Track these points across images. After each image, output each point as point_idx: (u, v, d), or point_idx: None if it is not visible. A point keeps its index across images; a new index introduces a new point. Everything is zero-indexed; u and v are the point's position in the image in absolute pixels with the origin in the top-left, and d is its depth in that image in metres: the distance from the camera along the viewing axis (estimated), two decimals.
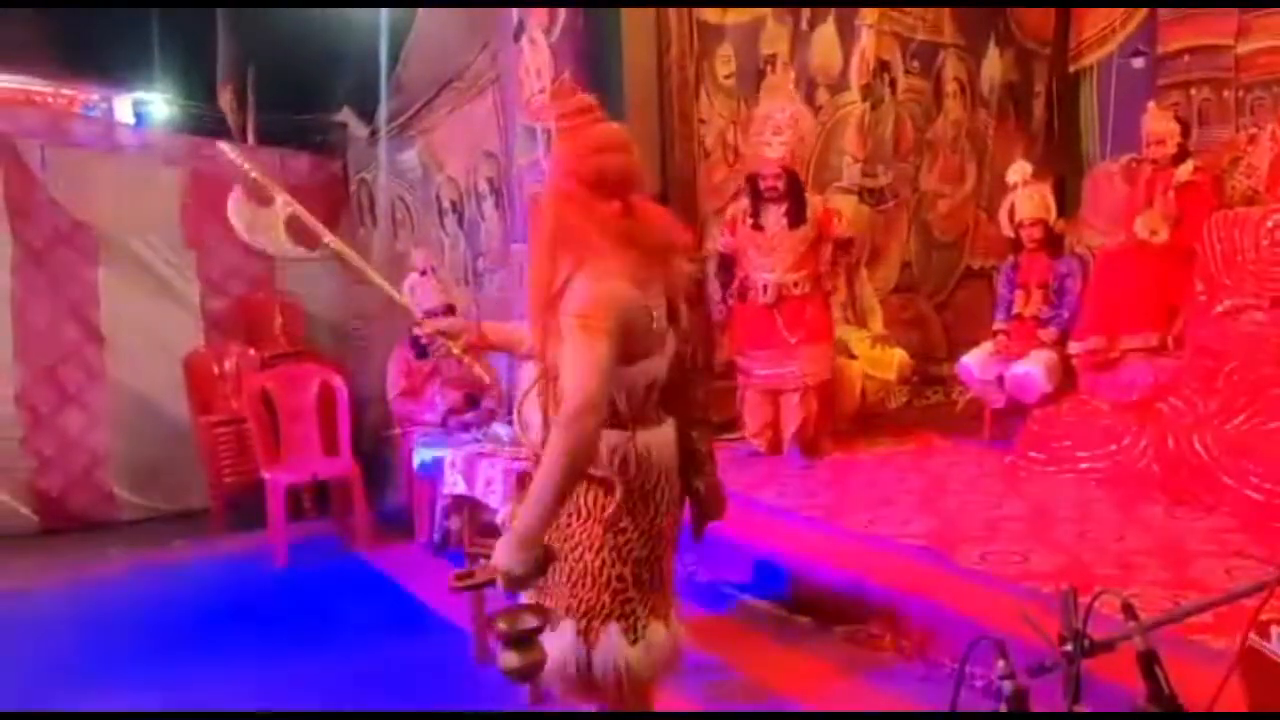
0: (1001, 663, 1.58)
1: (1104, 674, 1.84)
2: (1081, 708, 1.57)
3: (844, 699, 3.38)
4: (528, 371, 2.39)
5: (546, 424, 2.22)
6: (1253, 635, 1.82)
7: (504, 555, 2.04)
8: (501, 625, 2.07)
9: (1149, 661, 1.53)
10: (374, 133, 7.55)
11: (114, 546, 6.04)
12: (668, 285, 2.25)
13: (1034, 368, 5.75)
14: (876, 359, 6.41)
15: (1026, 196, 6.06)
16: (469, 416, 5.33)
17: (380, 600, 4.79)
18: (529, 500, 2.06)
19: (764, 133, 5.60)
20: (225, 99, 8.42)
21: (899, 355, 6.55)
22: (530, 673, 2.13)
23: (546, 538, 2.10)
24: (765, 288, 5.59)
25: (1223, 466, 4.52)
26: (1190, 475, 4.63)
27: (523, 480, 3.33)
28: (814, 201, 5.78)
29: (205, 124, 8.36)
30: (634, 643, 2.22)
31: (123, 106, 9.26)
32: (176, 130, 8.41)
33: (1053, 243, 6.05)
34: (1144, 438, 4.91)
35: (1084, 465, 5.15)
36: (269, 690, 3.70)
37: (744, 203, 5.74)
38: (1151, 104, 5.92)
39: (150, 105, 8.81)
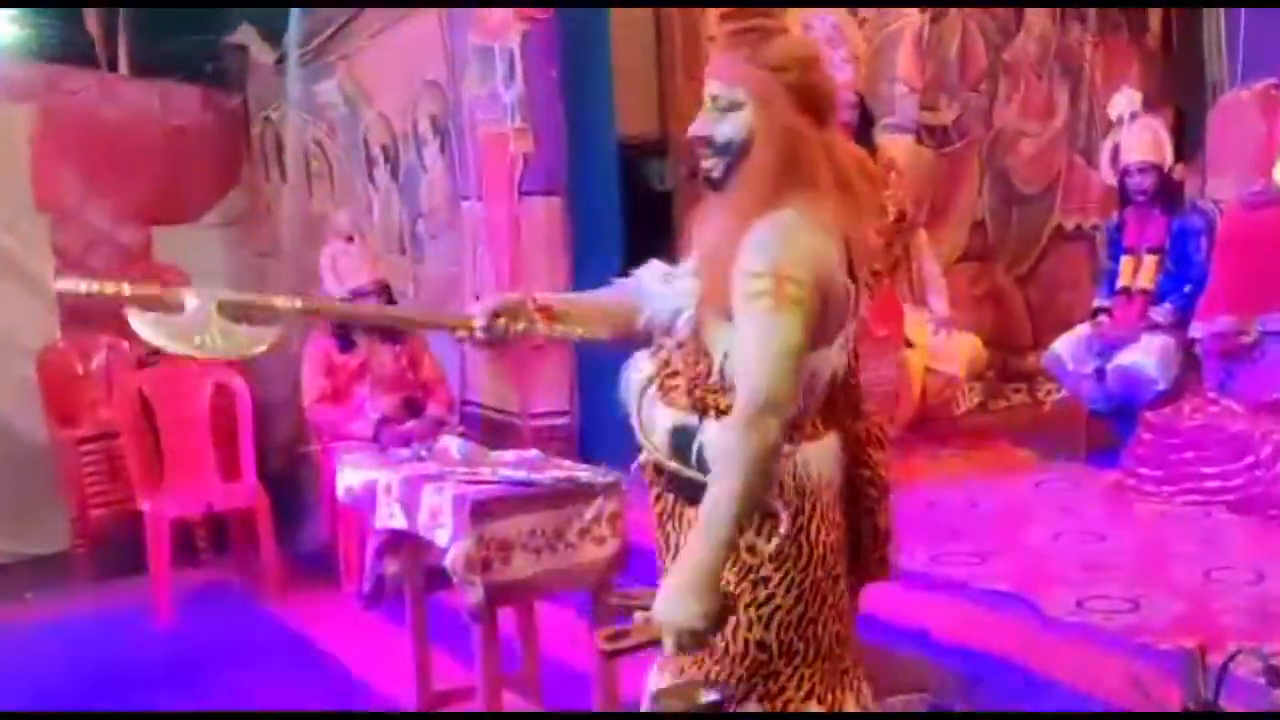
0: None
1: None
2: None
3: None
4: (640, 356, 2.31)
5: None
6: None
7: (674, 604, 1.96)
8: (675, 704, 2.06)
9: None
10: (281, 59, 7.52)
11: None
12: (856, 251, 2.17)
13: (1145, 358, 5.77)
14: (941, 349, 6.42)
15: (1135, 135, 6.06)
16: (409, 427, 5.30)
17: (296, 668, 4.77)
18: (701, 530, 1.99)
19: None
20: (90, 16, 8.38)
21: (970, 344, 6.56)
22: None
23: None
24: None
25: None
26: None
27: (478, 510, 3.32)
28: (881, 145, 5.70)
29: (65, 50, 8.29)
30: None
31: None
32: (28, 56, 8.35)
33: (1170, 195, 6.05)
34: None
35: (1211, 485, 5.15)
36: None
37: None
38: None
39: None
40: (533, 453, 3.98)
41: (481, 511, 3.32)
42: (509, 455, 3.93)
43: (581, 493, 3.47)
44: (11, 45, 8.54)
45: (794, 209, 2.06)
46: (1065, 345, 6.21)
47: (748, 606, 2.12)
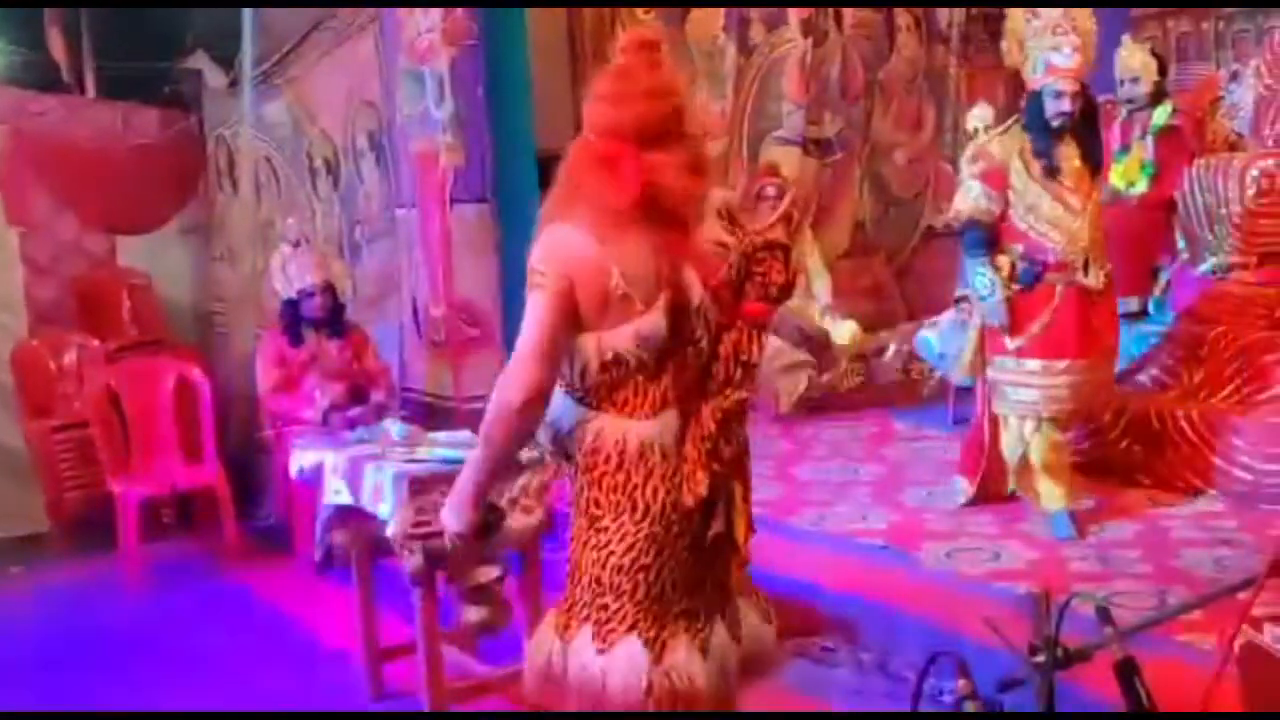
0: (962, 682, 1.59)
1: (1081, 684, 1.87)
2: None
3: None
4: None
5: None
6: (1247, 629, 1.87)
7: (447, 516, 2.30)
8: (457, 578, 2.38)
9: (1128, 671, 1.56)
10: (234, 82, 7.38)
11: None
12: (676, 258, 2.17)
13: None
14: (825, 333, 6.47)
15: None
16: (355, 413, 5.24)
17: (256, 629, 4.73)
18: (464, 467, 2.32)
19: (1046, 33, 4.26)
20: (55, 43, 8.15)
21: (850, 328, 6.62)
22: (493, 628, 2.50)
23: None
24: (1084, 265, 4.26)
25: (1210, 445, 4.64)
26: (1175, 456, 4.74)
27: (415, 486, 3.30)
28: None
29: (31, 73, 8.07)
30: (600, 652, 2.23)
31: None
32: None
33: None
34: (1124, 415, 4.99)
35: None
36: None
37: (1015, 137, 4.34)
38: (1126, 37, 6.03)
39: None
40: (465, 433, 3.95)
41: (418, 487, 3.31)
42: (443, 436, 3.91)
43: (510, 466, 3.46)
44: None
45: (570, 222, 2.17)
46: (933, 329, 6.27)
47: (588, 546, 2.25)
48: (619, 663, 2.21)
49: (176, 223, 7.70)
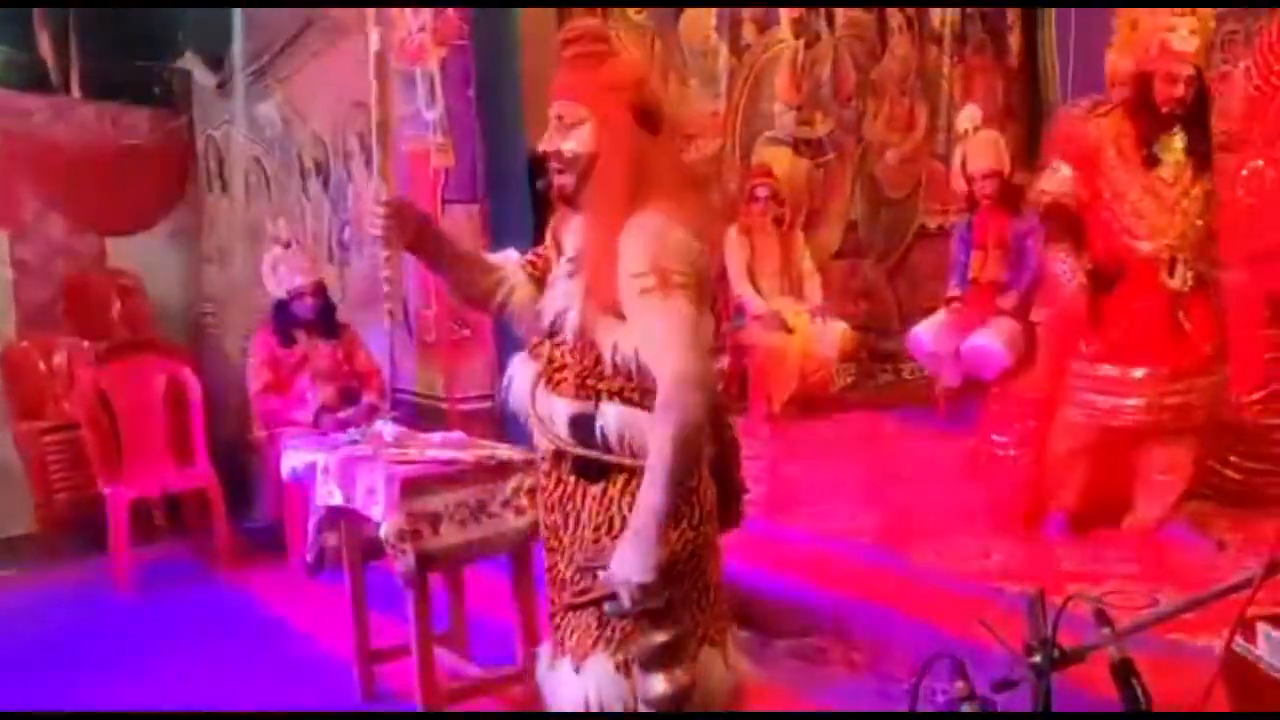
0: (960, 683, 1.59)
1: (1077, 685, 1.87)
2: None
3: None
4: (520, 359, 2.29)
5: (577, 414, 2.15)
6: (1238, 640, 1.87)
7: (626, 564, 1.96)
8: (631, 649, 2.06)
9: (1124, 672, 1.55)
10: (223, 82, 7.38)
11: None
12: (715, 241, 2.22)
13: (992, 339, 5.84)
14: (816, 334, 6.47)
15: (978, 145, 6.16)
16: (346, 414, 5.24)
17: (248, 631, 4.71)
18: (644, 499, 2.00)
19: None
20: (43, 43, 8.12)
21: (841, 329, 6.62)
22: (681, 699, 2.09)
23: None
24: (1173, 264, 3.95)
25: None
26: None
27: (407, 487, 3.29)
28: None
29: (19, 74, 8.04)
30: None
31: None
32: None
33: (1010, 197, 6.15)
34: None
35: None
36: None
37: (1114, 120, 4.11)
38: (1116, 39, 6.03)
39: None
40: (457, 434, 3.95)
41: (411, 488, 3.30)
42: (436, 437, 3.89)
43: (502, 469, 3.46)
44: None
45: (651, 211, 2.06)
46: (926, 329, 6.29)
47: None
48: (706, 680, 2.15)
49: (166, 224, 7.70)
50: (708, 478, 2.18)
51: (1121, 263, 3.90)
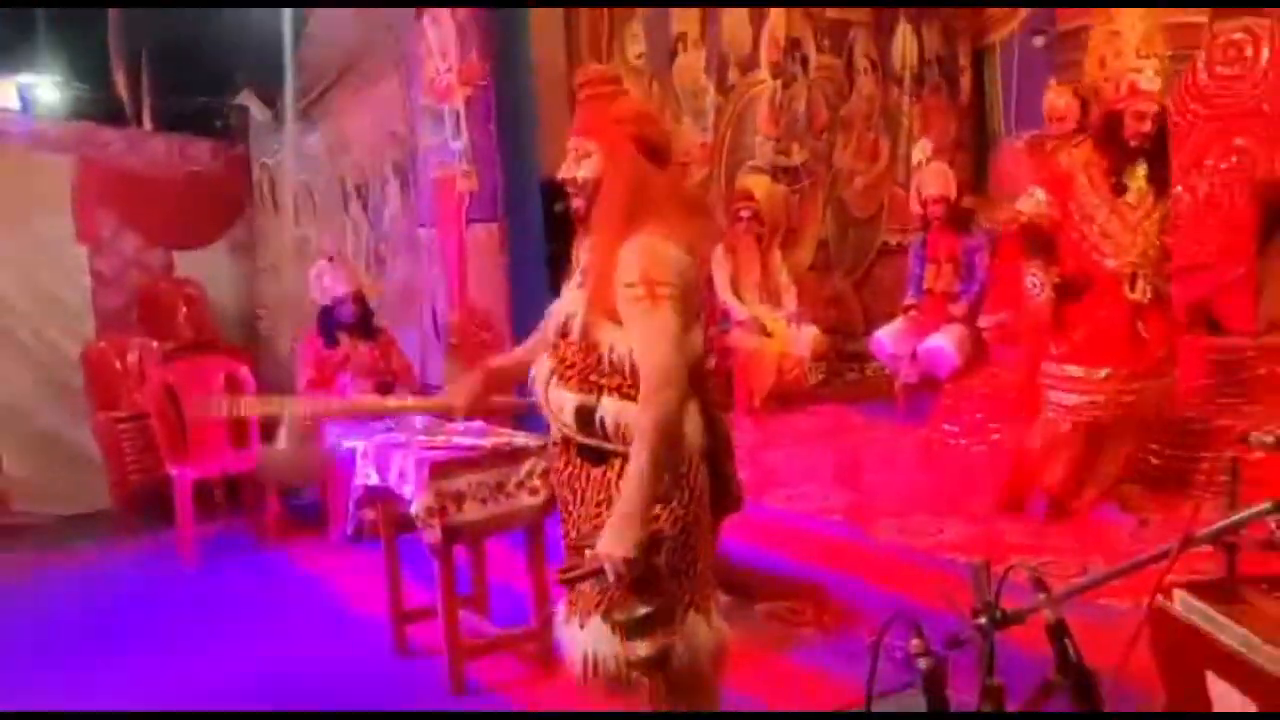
0: (916, 641, 1.59)
1: (1018, 644, 1.87)
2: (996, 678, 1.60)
3: (768, 676, 3.40)
4: (543, 357, 2.28)
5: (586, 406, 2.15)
6: (1159, 597, 1.87)
7: (612, 541, 1.98)
8: (617, 616, 2.06)
9: (1058, 632, 1.56)
10: (276, 116, 7.37)
11: (8, 551, 5.82)
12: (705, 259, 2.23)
13: (944, 342, 5.85)
14: (792, 337, 6.46)
15: (930, 174, 6.18)
16: None
17: (294, 595, 4.70)
18: (628, 484, 2.01)
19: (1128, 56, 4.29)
20: (119, 82, 8.12)
21: (814, 333, 6.62)
22: (662, 661, 2.10)
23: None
24: (1134, 279, 3.96)
25: None
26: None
27: (435, 470, 3.29)
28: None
29: (98, 109, 8.04)
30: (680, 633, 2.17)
31: (6, 91, 8.87)
32: (66, 116, 8.08)
33: (959, 218, 6.16)
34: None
35: (995, 437, 5.23)
36: (182, 693, 3.60)
37: (1084, 151, 4.22)
38: (1052, 80, 6.05)
39: (37, 89, 8.43)
40: (478, 423, 3.93)
41: (438, 471, 3.30)
42: (459, 426, 3.88)
43: (518, 453, 3.46)
44: (54, 107, 8.26)
45: (647, 232, 2.07)
46: (887, 332, 6.29)
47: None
48: (696, 642, 2.15)
49: (226, 240, 7.70)
50: (699, 464, 2.17)
51: (1089, 276, 3.92)
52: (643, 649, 2.08)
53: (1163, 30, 5.47)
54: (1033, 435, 4.20)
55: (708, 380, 2.26)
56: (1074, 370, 3.95)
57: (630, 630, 2.07)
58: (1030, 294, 3.98)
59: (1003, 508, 4.26)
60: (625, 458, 2.08)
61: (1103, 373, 3.92)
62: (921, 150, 6.26)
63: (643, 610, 2.05)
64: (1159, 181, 3.97)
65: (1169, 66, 3.96)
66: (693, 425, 2.14)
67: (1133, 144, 3.87)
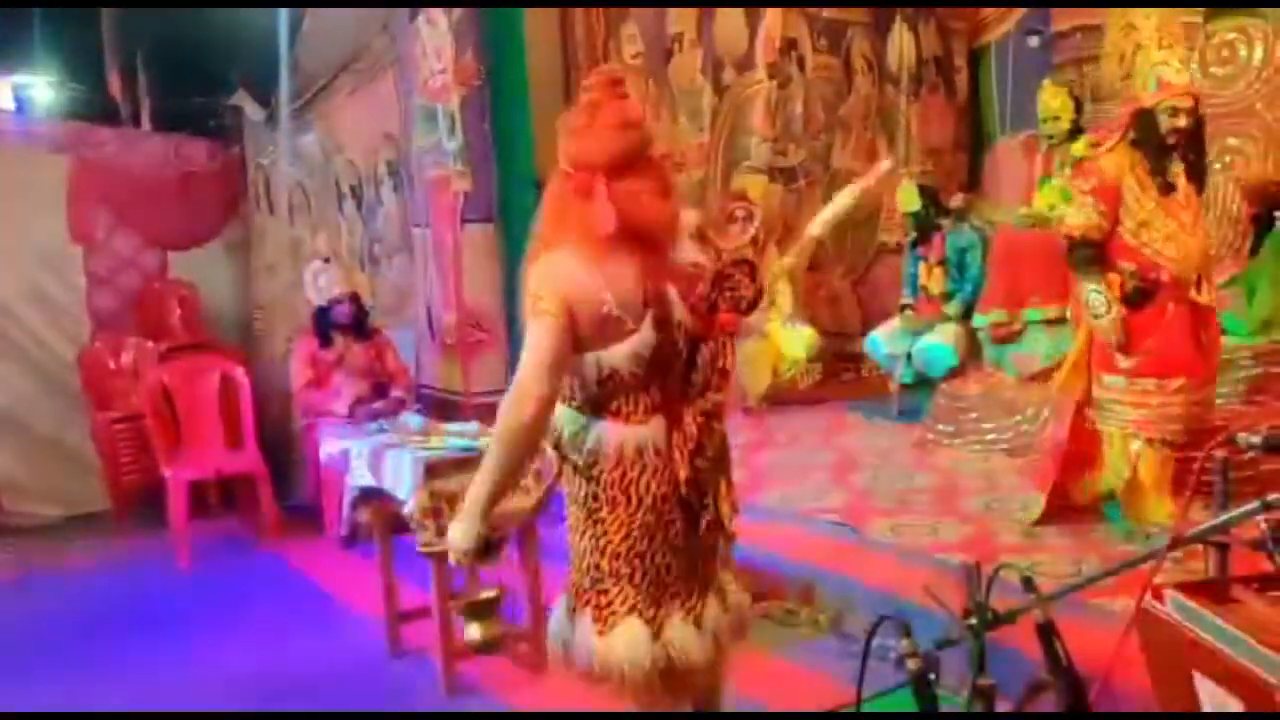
0: (905, 641, 1.59)
1: (1008, 643, 1.88)
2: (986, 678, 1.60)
3: (762, 674, 3.41)
4: None
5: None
6: (1148, 598, 1.87)
7: (454, 531, 2.11)
8: (459, 599, 2.24)
9: (1047, 633, 1.56)
10: (271, 117, 7.36)
11: (4, 551, 5.82)
12: (659, 278, 2.12)
13: (941, 341, 5.84)
14: (787, 337, 6.46)
15: (899, 192, 6.24)
16: (377, 406, 5.23)
17: (289, 596, 4.71)
18: (476, 479, 2.13)
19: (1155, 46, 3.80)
20: (114, 82, 8.10)
21: (810, 334, 6.62)
22: (492, 645, 2.31)
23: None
24: (1200, 281, 3.75)
25: None
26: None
27: (429, 470, 3.29)
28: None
29: (93, 109, 8.03)
30: (600, 634, 2.18)
31: (1, 91, 8.86)
32: (61, 116, 8.07)
33: (953, 218, 6.16)
34: (1046, 408, 4.92)
35: (990, 437, 5.24)
36: (178, 693, 3.60)
37: (1120, 150, 3.77)
38: (1046, 81, 6.04)
39: (32, 89, 8.42)
40: (473, 424, 3.94)
41: (432, 471, 3.30)
42: (454, 427, 3.89)
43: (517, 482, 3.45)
44: (49, 107, 8.25)
45: (563, 249, 2.09)
46: (881, 332, 6.29)
47: (586, 536, 2.20)
48: (619, 643, 2.16)
49: (220, 240, 7.69)
50: (648, 474, 2.15)
51: (1154, 283, 3.69)
52: (474, 632, 2.28)
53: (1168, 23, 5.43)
54: (1073, 444, 3.97)
55: (702, 390, 2.19)
56: (1147, 384, 3.72)
57: (468, 613, 2.29)
58: (1094, 312, 3.73)
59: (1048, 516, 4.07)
60: (572, 465, 2.19)
61: (1176, 383, 3.70)
62: (886, 166, 6.35)
63: (483, 596, 2.28)
64: (1199, 176, 3.76)
65: (1187, 55, 3.71)
66: (649, 440, 2.14)
67: (1170, 140, 3.65)
